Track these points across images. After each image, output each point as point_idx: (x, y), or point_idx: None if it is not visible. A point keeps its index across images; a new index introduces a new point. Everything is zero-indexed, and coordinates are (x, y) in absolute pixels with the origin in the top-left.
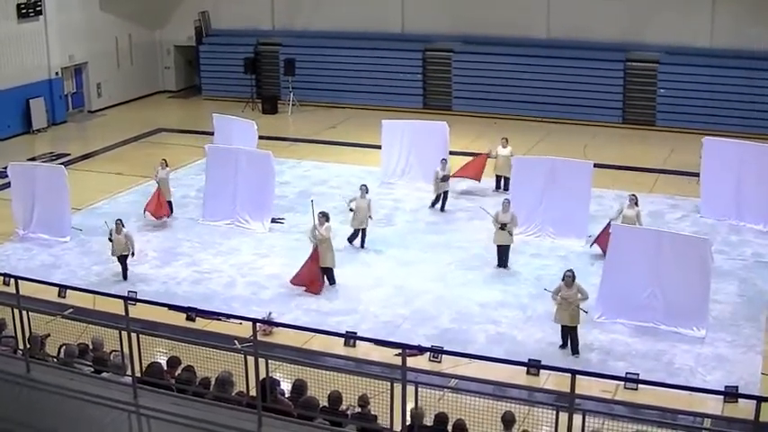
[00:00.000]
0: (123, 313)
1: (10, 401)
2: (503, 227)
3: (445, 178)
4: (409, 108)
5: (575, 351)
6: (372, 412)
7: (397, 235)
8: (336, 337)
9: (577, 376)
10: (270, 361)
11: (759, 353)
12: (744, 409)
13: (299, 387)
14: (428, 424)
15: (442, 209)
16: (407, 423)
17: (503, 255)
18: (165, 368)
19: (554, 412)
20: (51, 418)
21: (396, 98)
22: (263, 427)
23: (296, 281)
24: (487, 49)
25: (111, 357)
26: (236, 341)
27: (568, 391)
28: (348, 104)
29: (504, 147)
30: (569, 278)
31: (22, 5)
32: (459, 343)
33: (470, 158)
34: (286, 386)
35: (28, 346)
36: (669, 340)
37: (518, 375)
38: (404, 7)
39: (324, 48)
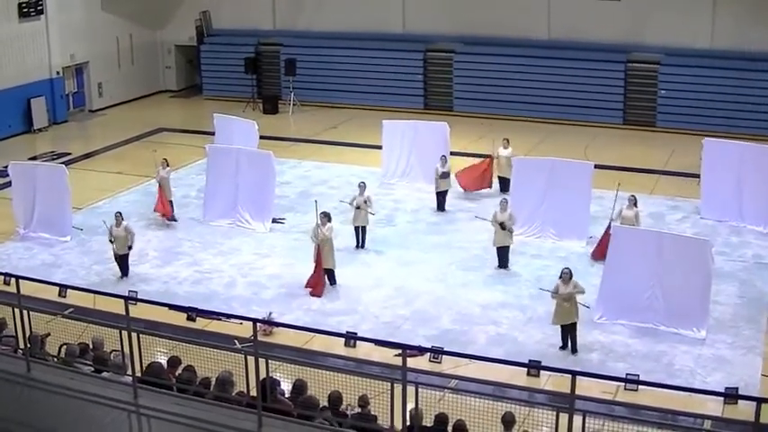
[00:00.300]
0: (124, 313)
1: (10, 401)
2: (502, 226)
3: (444, 175)
4: (410, 108)
5: (574, 350)
6: (372, 412)
7: (398, 235)
8: (337, 338)
9: (577, 377)
10: (270, 361)
11: (759, 354)
12: (744, 411)
13: (299, 387)
14: (428, 424)
15: (443, 209)
16: (407, 424)
17: (503, 256)
18: (166, 368)
19: (554, 413)
20: (51, 417)
21: (396, 98)
22: (263, 427)
23: (308, 285)
24: (488, 49)
25: (112, 357)
26: (236, 341)
27: (568, 391)
28: (349, 105)
29: (505, 147)
30: (566, 275)
31: (24, 5)
32: (459, 344)
33: (474, 163)
34: (286, 386)
35: (28, 345)
36: (669, 341)
37: (518, 376)
38: (405, 8)
39: (325, 48)
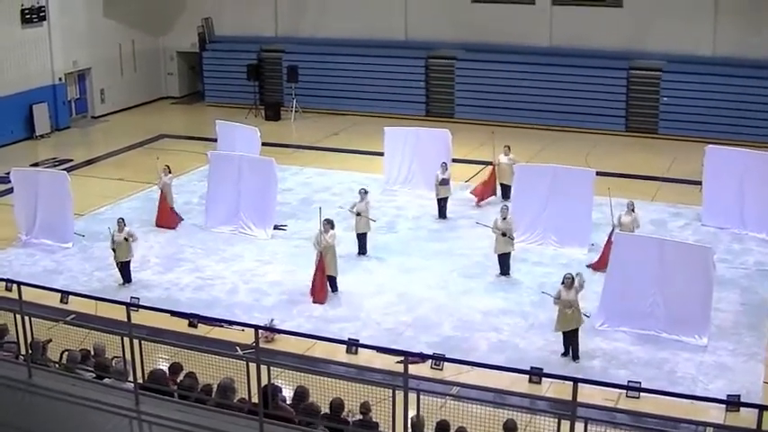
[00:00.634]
0: (125, 319)
1: (12, 407)
2: (504, 234)
3: (444, 182)
4: (412, 115)
5: (575, 356)
6: (374, 419)
7: (400, 242)
8: (338, 344)
9: (579, 384)
10: (272, 368)
11: (761, 361)
12: (746, 419)
13: (300, 394)
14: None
15: (444, 216)
16: (409, 431)
17: (504, 263)
18: (168, 374)
19: (556, 420)
20: (53, 423)
21: (398, 105)
22: None
23: (312, 292)
24: (490, 56)
25: (113, 363)
26: (238, 348)
27: (570, 399)
28: (351, 111)
29: (506, 154)
30: (569, 280)
31: (26, 11)
32: (461, 350)
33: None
34: (288, 393)
35: (30, 351)
36: (671, 348)
37: (520, 383)
38: (407, 15)
39: (327, 55)
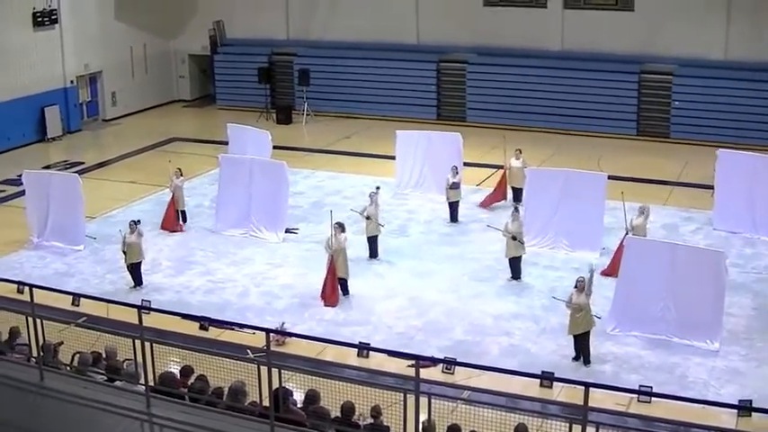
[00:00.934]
0: (137, 322)
1: (23, 409)
2: (514, 237)
3: (455, 185)
4: (423, 119)
5: (586, 361)
6: (385, 423)
7: (411, 246)
8: (350, 348)
9: (590, 389)
10: (283, 371)
11: None
12: (758, 424)
13: (311, 397)
14: None
15: (456, 220)
16: None
17: (515, 267)
18: (179, 377)
19: (567, 425)
20: (64, 426)
21: (410, 109)
22: None
23: (322, 296)
24: (502, 60)
25: (125, 366)
26: (249, 351)
27: (581, 403)
28: (362, 115)
29: (517, 158)
30: (581, 283)
31: (38, 14)
32: (472, 355)
33: (490, 175)
34: (299, 396)
35: (41, 354)
36: (682, 353)
37: (531, 387)
38: (419, 19)
39: (338, 58)
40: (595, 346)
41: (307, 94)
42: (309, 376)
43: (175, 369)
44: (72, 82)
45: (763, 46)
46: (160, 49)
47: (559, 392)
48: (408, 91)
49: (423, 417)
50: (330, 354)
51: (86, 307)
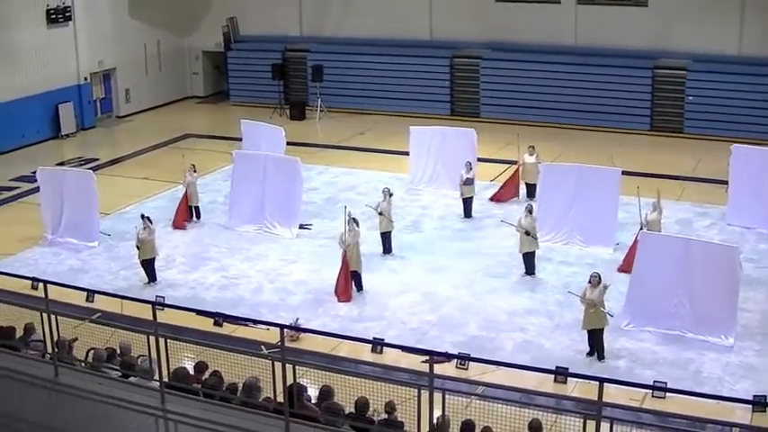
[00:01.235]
0: (151, 318)
1: (38, 405)
2: (527, 233)
3: (468, 181)
4: (437, 115)
5: (600, 357)
6: (399, 419)
7: (425, 241)
8: (364, 344)
9: (605, 384)
10: (297, 367)
11: None
12: None
13: (325, 393)
14: (455, 431)
15: (469, 215)
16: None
17: (529, 262)
18: (193, 373)
19: (581, 420)
20: (79, 422)
21: (423, 105)
22: None
23: (336, 292)
24: (515, 56)
25: (139, 362)
26: (263, 347)
27: (596, 398)
28: (376, 111)
29: (530, 154)
30: (595, 279)
31: (52, 11)
32: (486, 350)
33: (504, 171)
34: (313, 392)
35: (56, 350)
36: (697, 349)
37: (545, 383)
38: (432, 14)
39: (352, 54)
40: (609, 342)
41: (320, 90)
42: (323, 372)
43: (190, 365)
44: (86, 79)
45: None
46: (174, 46)
47: (573, 388)
48: (422, 87)
49: (437, 412)
50: (344, 349)
51: (101, 303)
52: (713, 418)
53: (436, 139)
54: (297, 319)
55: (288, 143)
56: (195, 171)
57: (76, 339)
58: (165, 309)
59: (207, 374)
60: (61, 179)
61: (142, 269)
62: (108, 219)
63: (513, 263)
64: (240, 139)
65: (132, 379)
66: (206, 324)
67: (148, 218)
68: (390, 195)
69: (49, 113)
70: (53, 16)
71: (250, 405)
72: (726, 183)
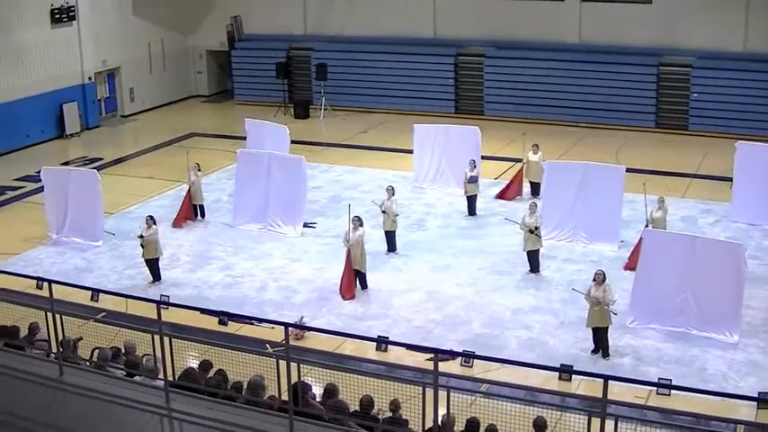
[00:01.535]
0: (155, 317)
1: (43, 404)
2: (531, 231)
3: (473, 179)
4: (441, 113)
5: (605, 354)
6: (404, 417)
7: (429, 240)
8: (368, 342)
9: (609, 382)
10: (302, 365)
11: None
12: None
13: (330, 391)
14: (460, 429)
15: (474, 213)
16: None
17: (533, 260)
18: (197, 371)
19: (586, 418)
20: (84, 421)
21: (428, 103)
22: None
23: (340, 290)
24: (519, 53)
25: (144, 361)
26: (268, 345)
27: (600, 396)
28: (380, 109)
29: (534, 153)
30: (599, 276)
31: (56, 11)
32: (490, 348)
33: (508, 168)
34: (318, 390)
35: (61, 349)
36: (702, 346)
37: (550, 381)
38: (436, 12)
39: (356, 53)
40: (614, 339)
41: (324, 89)
42: (328, 370)
43: (194, 364)
44: (90, 78)
45: None
46: (178, 45)
47: (578, 385)
48: (426, 85)
49: (441, 410)
50: (349, 348)
51: (105, 302)
52: (718, 415)
53: (440, 137)
54: (301, 318)
55: (292, 142)
56: (200, 170)
57: (81, 338)
58: (170, 308)
59: (212, 373)
60: (66, 179)
61: (147, 268)
62: (112, 218)
63: (517, 261)
64: (244, 138)
65: (137, 378)
66: (211, 323)
67: (152, 217)
68: (393, 193)
69: (54, 113)
70: (57, 16)
71: (255, 403)
72: (731, 180)
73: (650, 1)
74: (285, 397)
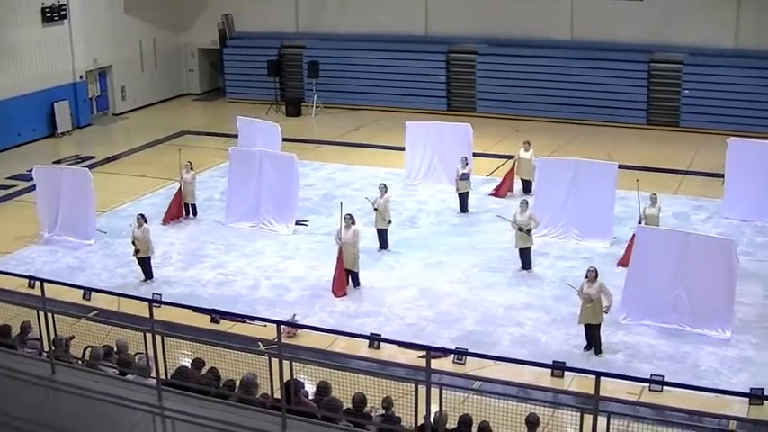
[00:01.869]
0: (148, 315)
1: (35, 403)
2: (521, 229)
3: (464, 176)
4: (433, 110)
5: (597, 350)
6: (396, 414)
7: (421, 237)
8: (361, 339)
9: (602, 378)
10: (294, 363)
11: None
12: None
13: (323, 389)
14: (452, 426)
15: (466, 210)
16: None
17: (525, 257)
18: (190, 369)
19: (578, 414)
20: (76, 420)
21: (420, 100)
22: (287, 429)
23: (333, 288)
24: (511, 50)
25: (136, 359)
26: (260, 343)
27: (593, 392)
28: (372, 107)
29: (526, 150)
30: (592, 273)
31: (47, 9)
32: (483, 345)
33: (500, 165)
34: (310, 388)
35: (53, 348)
36: (694, 342)
37: (542, 377)
38: (428, 9)
39: (348, 50)
40: (607, 336)
41: (316, 87)
42: (321, 368)
43: (187, 362)
44: (81, 77)
45: None
46: (169, 43)
47: (571, 382)
48: (418, 82)
49: (434, 407)
50: (341, 345)
51: (97, 301)
52: (710, 411)
53: (432, 134)
54: (294, 316)
55: (284, 140)
56: (192, 168)
57: (73, 337)
58: (162, 306)
59: (204, 371)
60: (58, 177)
61: (139, 266)
62: (104, 216)
63: (509, 257)
64: (236, 136)
65: (129, 376)
66: (203, 321)
67: (143, 216)
68: (386, 191)
69: (45, 112)
70: (48, 14)
71: (247, 401)
72: (722, 176)
73: None
74: (278, 395)
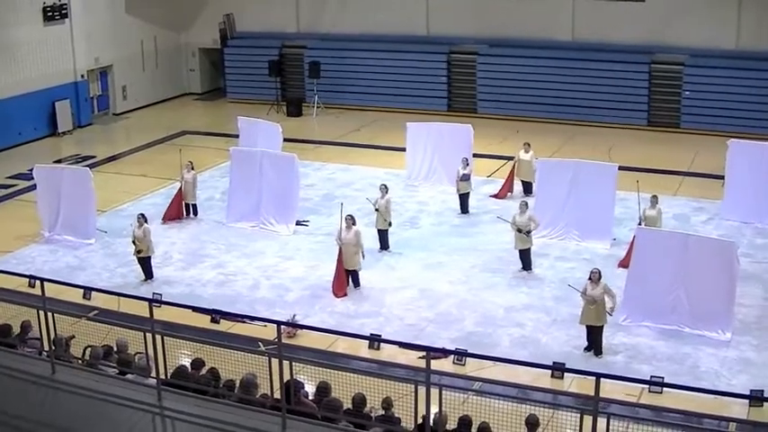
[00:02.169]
0: (148, 315)
1: (35, 403)
2: (520, 230)
3: (465, 177)
4: (434, 111)
5: (598, 352)
6: (396, 415)
7: (422, 237)
8: (361, 340)
9: (602, 379)
10: (294, 363)
11: None
12: None
13: (322, 389)
14: (452, 427)
15: (466, 211)
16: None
17: (525, 258)
18: (189, 370)
19: (578, 415)
20: (76, 419)
21: (420, 101)
22: (287, 430)
23: (333, 289)
24: (512, 51)
25: (136, 359)
26: (260, 343)
27: (593, 394)
28: (373, 107)
29: (526, 151)
30: (595, 275)
31: (48, 8)
32: (483, 346)
33: (501, 166)
34: (310, 388)
35: (53, 347)
36: (694, 343)
37: (542, 378)
38: (429, 10)
39: (349, 50)
40: (607, 337)
41: (317, 87)
42: (321, 368)
43: (187, 362)
44: (82, 76)
45: None
46: (171, 43)
47: (570, 383)
48: (419, 83)
49: (434, 408)
50: (341, 345)
51: (98, 300)
52: (710, 412)
53: (433, 135)
54: (294, 316)
55: (285, 140)
56: (193, 168)
57: (73, 337)
58: (162, 306)
59: (204, 371)
60: (58, 177)
61: (139, 266)
62: (104, 216)
63: (510, 258)
64: (237, 136)
65: (129, 376)
66: (203, 321)
67: (143, 215)
68: (387, 191)
69: (46, 111)
70: (49, 14)
71: (247, 402)
72: (722, 177)
73: None
74: (278, 395)
